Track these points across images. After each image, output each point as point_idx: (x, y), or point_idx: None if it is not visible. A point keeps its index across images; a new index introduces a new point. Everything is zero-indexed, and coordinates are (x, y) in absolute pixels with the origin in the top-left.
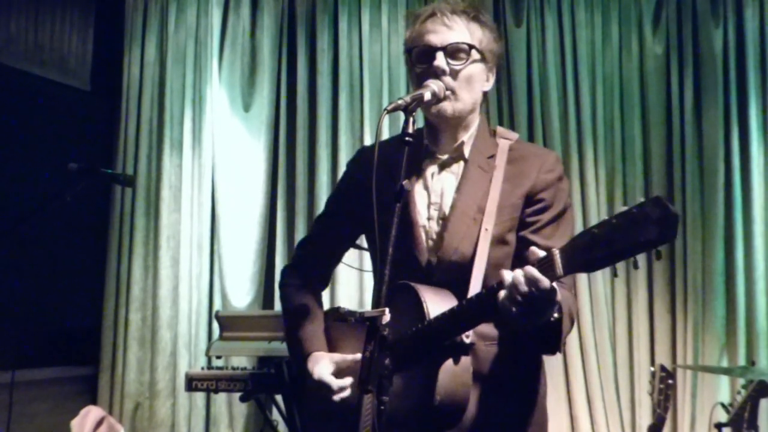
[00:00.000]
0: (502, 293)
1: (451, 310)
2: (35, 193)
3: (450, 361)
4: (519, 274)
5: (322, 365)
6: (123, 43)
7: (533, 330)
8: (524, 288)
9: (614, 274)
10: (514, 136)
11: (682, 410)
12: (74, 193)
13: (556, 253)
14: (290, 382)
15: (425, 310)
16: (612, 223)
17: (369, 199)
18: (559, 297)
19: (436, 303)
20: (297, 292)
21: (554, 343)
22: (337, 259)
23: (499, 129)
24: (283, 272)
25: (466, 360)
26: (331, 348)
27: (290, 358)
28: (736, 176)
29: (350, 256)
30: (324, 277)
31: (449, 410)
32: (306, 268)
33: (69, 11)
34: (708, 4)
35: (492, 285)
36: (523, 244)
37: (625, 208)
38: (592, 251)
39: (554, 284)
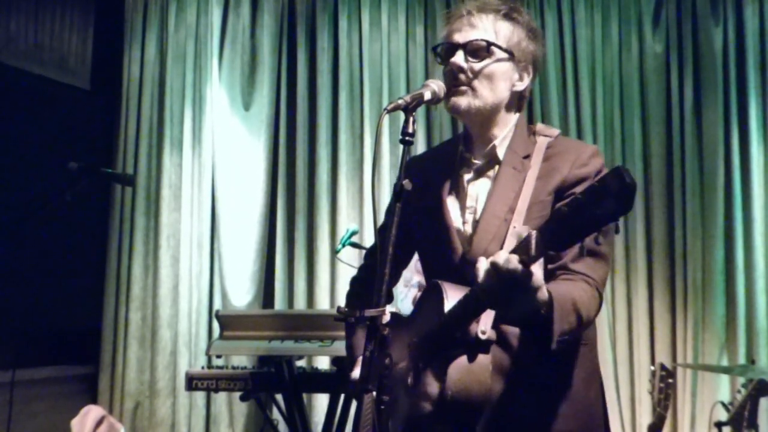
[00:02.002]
0: (480, 278)
1: (458, 302)
2: (35, 192)
3: (464, 358)
4: (493, 257)
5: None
6: (123, 42)
7: (518, 321)
8: (496, 270)
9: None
10: (554, 132)
11: (682, 409)
12: (74, 192)
13: (533, 234)
14: (290, 381)
15: (444, 305)
16: (578, 199)
17: (414, 212)
18: (537, 283)
19: (456, 299)
20: (355, 301)
21: (544, 337)
22: (397, 270)
23: (539, 126)
24: (350, 283)
25: (484, 358)
26: None
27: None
28: (735, 175)
29: (350, 255)
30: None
31: (463, 407)
32: (365, 278)
33: (69, 10)
34: (708, 3)
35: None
36: None
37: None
38: (560, 229)
39: (534, 269)
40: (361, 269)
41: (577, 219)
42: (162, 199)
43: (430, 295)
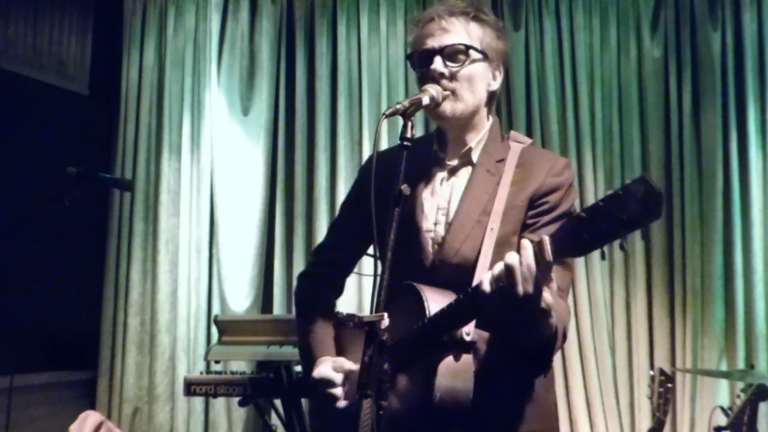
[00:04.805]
0: (487, 282)
1: (448, 305)
2: (34, 197)
3: (450, 359)
4: (506, 258)
5: (325, 365)
6: (122, 47)
7: (520, 336)
8: (509, 273)
9: (602, 257)
10: (527, 140)
11: (681, 414)
12: (73, 197)
13: (547, 239)
14: (289, 387)
15: (426, 308)
16: (599, 206)
17: (385, 208)
18: (550, 301)
19: (438, 302)
20: (309, 299)
21: (543, 359)
22: (350, 267)
23: (513, 133)
24: (298, 278)
25: (467, 358)
26: (340, 354)
27: (302, 364)
28: (734, 179)
29: None
30: (336, 284)
31: (450, 408)
32: (319, 274)
33: (68, 15)
34: (706, 7)
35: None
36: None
37: (613, 190)
38: (581, 234)
39: (544, 294)
40: (311, 264)
41: (597, 224)
42: (160, 204)
43: (403, 298)
